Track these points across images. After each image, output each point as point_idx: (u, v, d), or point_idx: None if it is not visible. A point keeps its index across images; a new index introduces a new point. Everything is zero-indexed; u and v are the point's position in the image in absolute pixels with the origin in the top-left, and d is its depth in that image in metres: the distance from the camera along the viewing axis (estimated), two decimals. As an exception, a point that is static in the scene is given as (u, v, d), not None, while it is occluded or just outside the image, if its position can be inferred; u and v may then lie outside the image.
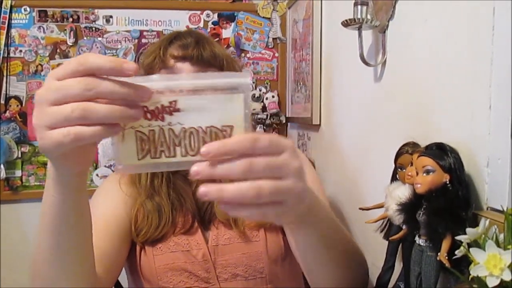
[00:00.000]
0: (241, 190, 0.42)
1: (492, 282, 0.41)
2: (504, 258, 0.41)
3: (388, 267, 0.83)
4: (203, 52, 0.88)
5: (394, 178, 0.80)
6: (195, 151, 0.44)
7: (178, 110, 0.44)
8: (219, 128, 0.44)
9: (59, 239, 0.59)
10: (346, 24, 0.93)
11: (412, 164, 0.68)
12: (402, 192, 0.68)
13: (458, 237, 0.51)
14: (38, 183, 1.72)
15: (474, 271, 0.42)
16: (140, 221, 0.89)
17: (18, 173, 1.70)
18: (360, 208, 0.90)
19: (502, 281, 0.41)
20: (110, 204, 0.91)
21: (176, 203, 0.91)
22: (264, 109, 1.82)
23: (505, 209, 0.52)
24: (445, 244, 0.56)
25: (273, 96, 1.82)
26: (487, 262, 0.42)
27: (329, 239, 0.71)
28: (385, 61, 0.93)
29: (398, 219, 0.67)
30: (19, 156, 1.69)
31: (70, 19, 1.71)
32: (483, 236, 0.50)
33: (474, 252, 0.44)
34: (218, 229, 0.90)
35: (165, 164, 0.45)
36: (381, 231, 0.83)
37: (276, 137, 0.46)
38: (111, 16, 1.73)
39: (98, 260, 0.79)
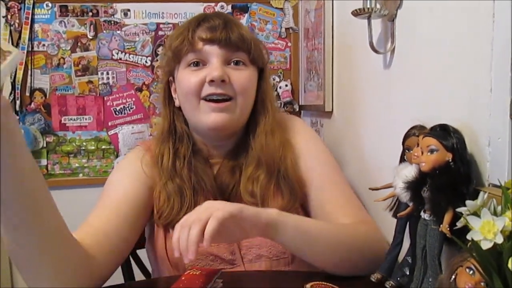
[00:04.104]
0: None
1: (485, 245, 0.46)
2: (497, 223, 0.46)
3: (396, 243, 0.88)
4: (231, 35, 0.87)
5: (402, 160, 0.85)
6: None
7: None
8: None
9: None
10: (356, 13, 0.97)
11: (418, 145, 0.72)
12: (409, 171, 0.73)
13: (458, 209, 0.55)
14: (63, 172, 1.79)
15: (469, 235, 0.47)
16: (161, 203, 0.89)
17: (44, 162, 1.78)
18: (370, 188, 0.95)
19: (495, 244, 0.46)
20: (127, 182, 0.90)
21: (197, 186, 0.91)
22: (278, 97, 1.87)
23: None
24: (447, 217, 0.61)
25: (286, 85, 1.86)
26: (481, 228, 0.46)
27: (308, 245, 0.79)
28: (393, 48, 0.96)
29: (405, 196, 0.72)
30: (44, 145, 1.76)
31: (90, 13, 1.77)
32: (482, 208, 0.54)
33: (471, 220, 0.48)
34: None
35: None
36: (390, 210, 0.88)
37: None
38: (128, 10, 1.79)
39: (97, 240, 0.79)
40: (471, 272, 0.53)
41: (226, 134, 0.92)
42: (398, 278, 0.79)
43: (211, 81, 0.85)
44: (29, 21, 1.73)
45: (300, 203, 0.93)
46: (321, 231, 0.82)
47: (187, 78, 0.88)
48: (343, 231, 0.86)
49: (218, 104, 0.87)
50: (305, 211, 0.95)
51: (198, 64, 0.88)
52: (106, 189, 0.91)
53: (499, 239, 0.45)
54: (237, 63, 0.89)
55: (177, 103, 0.94)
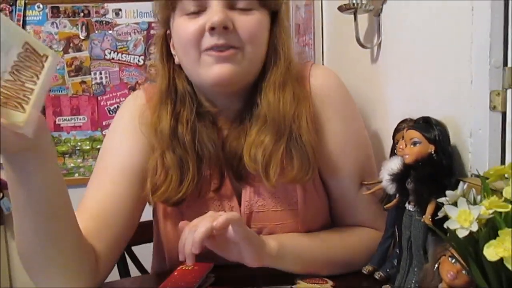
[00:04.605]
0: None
1: (462, 233, 0.47)
2: (473, 212, 0.47)
3: (387, 236, 0.89)
4: None
5: (392, 154, 0.86)
6: (36, 73, 0.51)
7: None
8: (26, 49, 0.51)
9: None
10: (342, 9, 0.98)
11: (403, 138, 0.73)
12: (395, 164, 0.74)
13: (439, 199, 0.57)
14: (58, 172, 1.81)
15: (446, 224, 0.48)
16: (157, 176, 0.78)
17: (39, 163, 1.80)
18: (362, 183, 0.96)
19: (472, 232, 0.47)
20: (124, 150, 0.80)
21: (201, 153, 0.79)
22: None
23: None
24: (430, 208, 0.62)
25: (279, 81, 1.86)
26: (458, 217, 0.48)
27: (309, 267, 0.78)
28: (380, 43, 0.98)
29: (390, 188, 0.73)
30: (39, 146, 1.78)
31: (81, 14, 1.78)
32: (462, 197, 0.56)
33: (449, 209, 0.50)
34: (250, 188, 0.80)
35: (40, 95, 0.51)
36: (381, 203, 0.89)
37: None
38: (120, 9, 1.80)
39: (98, 229, 0.74)
40: (453, 260, 0.55)
41: (233, 90, 0.78)
42: (388, 270, 0.80)
43: (212, 28, 0.71)
44: (21, 23, 1.74)
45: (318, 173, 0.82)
46: (319, 254, 0.80)
47: (184, 27, 0.74)
48: (344, 249, 0.83)
49: (221, 52, 0.72)
50: (323, 182, 0.85)
51: (197, 11, 0.73)
52: (101, 158, 0.82)
53: (474, 227, 0.46)
54: (243, 6, 0.74)
55: (176, 60, 0.80)
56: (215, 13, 0.71)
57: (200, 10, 0.73)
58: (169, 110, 0.79)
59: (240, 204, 0.81)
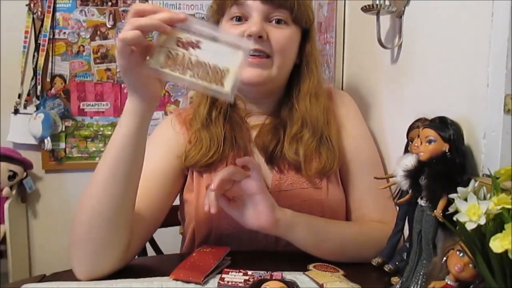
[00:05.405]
0: None
1: (470, 226, 0.50)
2: (481, 207, 0.50)
3: (397, 230, 0.92)
4: None
5: (406, 151, 0.88)
6: (199, 77, 0.63)
7: (199, 47, 0.63)
8: (220, 68, 0.63)
9: (114, 171, 0.72)
10: (365, 9, 1.00)
11: (418, 136, 0.76)
12: (409, 161, 0.77)
13: (450, 195, 0.59)
14: (80, 155, 1.87)
15: (456, 217, 0.51)
16: (191, 146, 0.91)
17: (62, 145, 1.86)
18: (375, 178, 0.99)
19: (479, 226, 0.50)
20: (157, 156, 0.91)
21: (228, 136, 0.92)
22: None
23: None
24: (441, 203, 0.65)
25: (298, 77, 1.89)
26: (468, 211, 0.51)
27: (320, 246, 0.84)
28: (401, 44, 1.00)
29: (404, 184, 0.76)
30: (63, 129, 1.84)
31: (109, 3, 1.83)
32: (472, 193, 0.58)
33: (459, 203, 0.53)
34: (281, 173, 0.91)
35: (175, 78, 0.64)
36: (394, 198, 0.92)
37: None
38: (146, 1, 1.84)
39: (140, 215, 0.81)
40: (461, 254, 0.58)
41: (263, 91, 0.92)
42: (397, 263, 0.83)
43: (249, 35, 0.84)
44: (51, 9, 1.79)
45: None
46: (332, 234, 0.86)
47: (227, 31, 0.88)
48: (355, 233, 0.89)
49: (255, 58, 0.86)
50: (340, 175, 0.97)
51: (241, 19, 0.88)
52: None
53: (482, 221, 0.49)
54: (278, 21, 0.88)
55: None
56: (254, 24, 0.85)
57: (243, 19, 0.88)
58: (208, 96, 0.94)
59: (267, 185, 0.89)
